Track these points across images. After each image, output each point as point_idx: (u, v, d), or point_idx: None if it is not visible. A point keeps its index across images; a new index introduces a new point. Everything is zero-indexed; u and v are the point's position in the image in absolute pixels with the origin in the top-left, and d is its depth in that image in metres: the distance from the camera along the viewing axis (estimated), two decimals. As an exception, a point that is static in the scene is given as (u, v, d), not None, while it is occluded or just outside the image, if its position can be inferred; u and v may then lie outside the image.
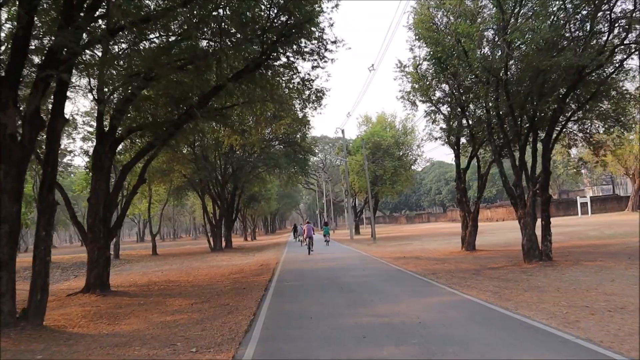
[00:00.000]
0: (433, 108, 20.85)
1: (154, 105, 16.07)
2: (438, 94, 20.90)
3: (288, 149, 39.32)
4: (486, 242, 23.48)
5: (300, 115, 25.16)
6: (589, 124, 17.74)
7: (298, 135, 38.30)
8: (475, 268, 13.98)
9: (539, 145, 15.32)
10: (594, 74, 13.86)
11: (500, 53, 14.12)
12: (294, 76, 16.41)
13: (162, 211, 42.52)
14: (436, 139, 22.97)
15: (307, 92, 17.34)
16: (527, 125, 15.23)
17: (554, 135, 14.57)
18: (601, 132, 18.50)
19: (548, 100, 14.68)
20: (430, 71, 20.11)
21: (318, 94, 17.40)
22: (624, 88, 14.83)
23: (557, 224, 39.58)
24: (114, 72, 13.30)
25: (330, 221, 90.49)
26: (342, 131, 42.98)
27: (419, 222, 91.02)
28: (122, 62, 13.48)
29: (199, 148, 35.42)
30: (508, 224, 45.99)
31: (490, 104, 15.52)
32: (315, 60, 15.13)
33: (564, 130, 16.78)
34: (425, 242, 29.54)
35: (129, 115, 16.31)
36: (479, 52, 15.61)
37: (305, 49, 14.63)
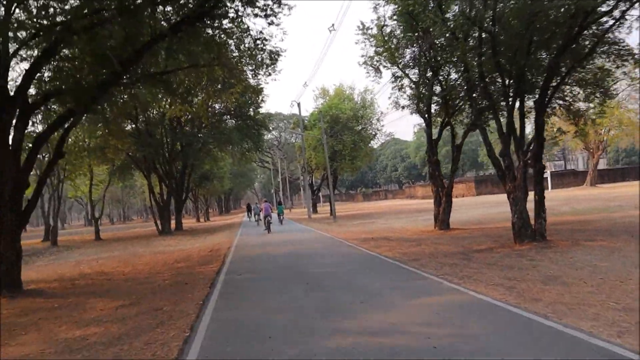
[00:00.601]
0: (400, 73, 18.76)
1: (77, 65, 13.13)
2: (407, 57, 18.79)
3: (240, 124, 36.52)
4: (455, 219, 21.77)
5: (253, 83, 22.78)
6: (569, 91, 16.03)
7: (251, 110, 35.56)
8: (459, 251, 12.01)
9: (524, 109, 13.46)
10: (593, 26, 11.99)
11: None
12: (245, 35, 14.02)
13: (104, 192, 38.76)
14: (403, 107, 20.94)
15: (260, 55, 15.05)
16: (514, 86, 13.22)
17: (548, 95, 12.59)
18: (581, 100, 16.86)
19: (541, 57, 12.74)
20: (397, 32, 17.98)
21: (272, 56, 15.19)
22: (623, 43, 12.99)
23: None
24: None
25: (287, 200, 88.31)
26: (298, 104, 40.70)
27: (376, 200, 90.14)
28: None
29: (143, 124, 32.08)
30: (469, 200, 45.06)
31: (471, 62, 13.43)
32: (269, 9, 12.57)
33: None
34: (390, 220, 27.71)
35: (46, 77, 13.47)
36: (457, 4, 13.50)
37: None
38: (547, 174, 52.80)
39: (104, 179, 44.86)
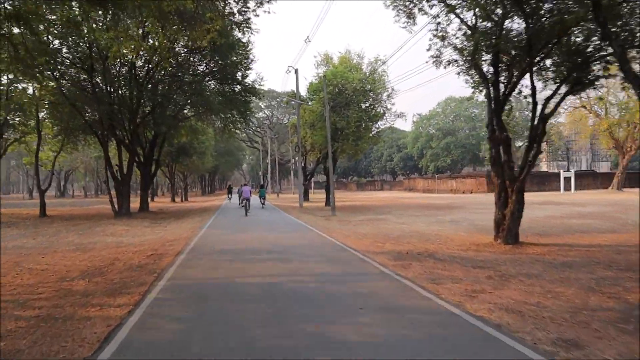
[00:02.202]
0: (446, 10, 12.65)
1: None
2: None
3: (224, 88, 29.92)
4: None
5: (240, 18, 16.59)
6: None
7: (239, 73, 28.98)
8: (610, 306, 5.80)
9: None
10: None
11: None
12: None
13: (54, 160, 31.89)
14: (449, 63, 14.95)
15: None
16: None
17: None
18: None
19: None
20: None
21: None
22: None
23: (552, 200, 33.31)
24: None
25: (275, 184, 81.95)
26: (296, 71, 33.99)
27: (371, 190, 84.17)
28: None
29: (99, 75, 25.36)
30: (484, 199, 39.05)
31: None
32: None
33: None
34: (405, 218, 21.47)
35: None
36: None
37: None
38: (571, 174, 46.99)
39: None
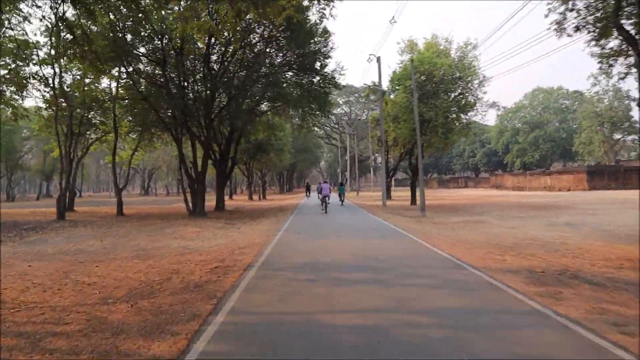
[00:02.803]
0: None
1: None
2: None
3: (302, 79, 27.99)
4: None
5: None
6: None
7: (317, 62, 26.95)
8: None
9: None
10: None
11: None
12: None
13: (130, 158, 31.57)
14: (577, 29, 12.22)
15: None
16: None
17: None
18: None
19: None
20: None
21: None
22: None
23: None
24: None
25: (353, 181, 79.72)
26: (378, 58, 31.34)
27: (455, 188, 79.70)
28: None
29: (174, 70, 24.28)
30: (589, 197, 34.36)
31: None
32: None
33: None
34: (509, 221, 18.33)
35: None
36: None
37: None
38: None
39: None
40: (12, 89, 22.09)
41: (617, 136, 65.67)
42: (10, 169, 59.58)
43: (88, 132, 31.81)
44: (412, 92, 23.73)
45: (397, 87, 31.85)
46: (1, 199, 62.36)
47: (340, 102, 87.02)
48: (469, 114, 30.81)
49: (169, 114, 24.94)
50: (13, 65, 21.78)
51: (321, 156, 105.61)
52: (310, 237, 14.22)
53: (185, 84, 24.81)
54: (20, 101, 25.40)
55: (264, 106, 31.59)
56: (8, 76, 21.05)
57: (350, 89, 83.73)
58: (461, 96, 29.58)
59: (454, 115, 29.13)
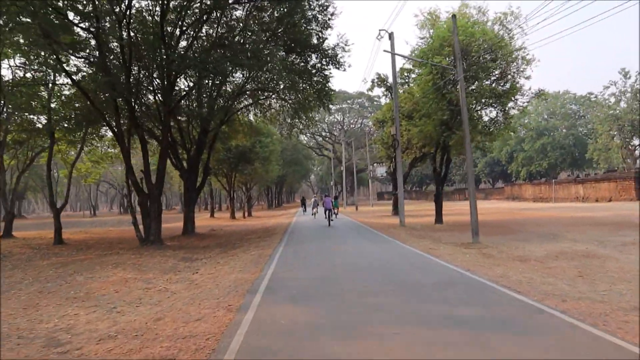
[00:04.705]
0: None
1: None
2: None
3: (294, 59, 20.94)
4: None
5: None
6: None
7: (314, 36, 20.04)
8: None
9: None
10: None
11: None
12: None
13: (71, 169, 23.68)
14: None
15: None
16: None
17: None
18: None
19: None
20: None
21: None
22: None
23: None
24: None
25: (349, 195, 72.59)
26: (390, 35, 24.30)
27: (460, 200, 72.71)
28: None
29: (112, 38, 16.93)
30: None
31: None
32: None
33: None
34: (610, 249, 11.08)
35: None
36: None
37: None
38: None
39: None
40: None
41: (636, 141, 59.62)
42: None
43: (27, 139, 23.97)
44: (452, 64, 16.56)
45: (412, 75, 24.99)
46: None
47: (333, 109, 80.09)
48: (510, 103, 23.53)
49: (106, 97, 17.58)
50: None
51: (311, 169, 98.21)
52: (316, 315, 6.69)
53: (128, 58, 17.25)
54: None
55: (244, 100, 24.50)
56: None
57: (343, 94, 77.16)
58: (502, 79, 22.49)
59: (497, 106, 22.17)
